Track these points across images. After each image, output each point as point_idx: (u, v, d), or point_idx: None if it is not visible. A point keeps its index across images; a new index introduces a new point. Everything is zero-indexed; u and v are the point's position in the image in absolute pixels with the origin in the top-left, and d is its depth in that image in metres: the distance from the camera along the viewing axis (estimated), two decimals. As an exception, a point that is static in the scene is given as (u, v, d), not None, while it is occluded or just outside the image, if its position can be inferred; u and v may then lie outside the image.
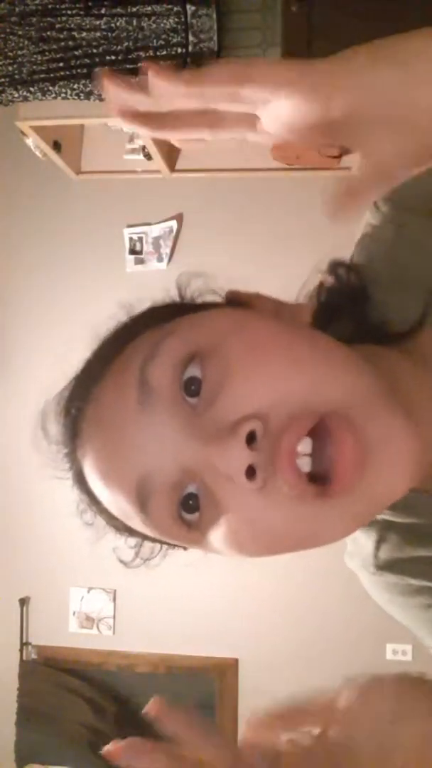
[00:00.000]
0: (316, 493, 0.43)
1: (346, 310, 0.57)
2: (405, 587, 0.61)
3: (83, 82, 1.99)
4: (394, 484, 0.45)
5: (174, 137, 0.44)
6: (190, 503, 0.46)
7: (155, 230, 2.83)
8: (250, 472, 0.42)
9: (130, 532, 0.53)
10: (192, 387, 0.46)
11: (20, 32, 1.98)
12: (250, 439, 0.43)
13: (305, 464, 0.44)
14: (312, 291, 0.58)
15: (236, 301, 0.54)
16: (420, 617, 0.62)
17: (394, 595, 0.63)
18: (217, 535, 0.46)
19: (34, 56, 1.99)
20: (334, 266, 0.59)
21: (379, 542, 0.61)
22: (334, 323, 0.56)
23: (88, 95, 2.01)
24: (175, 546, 0.54)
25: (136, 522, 0.49)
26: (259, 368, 0.44)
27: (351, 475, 0.43)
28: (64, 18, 1.96)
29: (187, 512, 0.46)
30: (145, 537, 0.53)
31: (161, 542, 0.54)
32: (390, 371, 0.50)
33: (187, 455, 0.45)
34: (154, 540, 0.53)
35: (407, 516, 0.57)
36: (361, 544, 0.63)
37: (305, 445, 0.44)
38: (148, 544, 0.55)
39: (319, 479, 0.44)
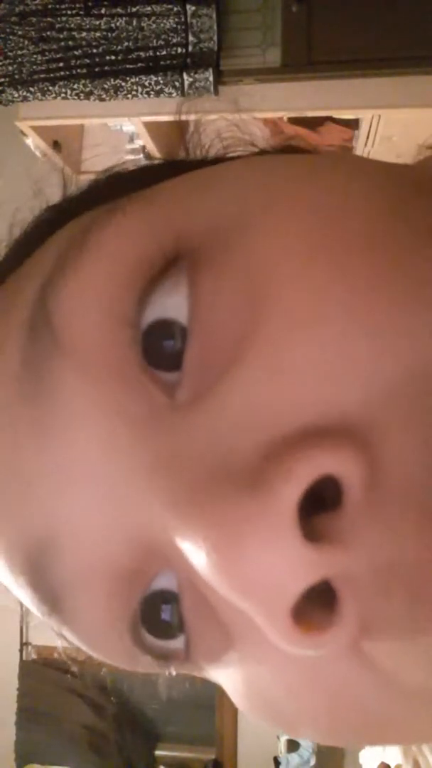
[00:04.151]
0: None
1: None
2: None
3: (83, 82, 1.99)
4: None
5: None
6: (161, 616, 0.21)
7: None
8: (306, 603, 0.17)
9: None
10: (163, 343, 0.19)
11: (20, 32, 1.99)
12: (315, 502, 0.17)
13: None
14: None
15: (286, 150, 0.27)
16: None
17: None
18: (227, 681, 0.23)
19: (34, 56, 1.99)
20: None
21: None
22: None
23: (88, 95, 2.01)
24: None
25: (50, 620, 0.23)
26: (364, 281, 0.18)
27: None
28: (64, 18, 1.96)
29: (155, 634, 0.22)
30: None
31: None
32: None
33: (149, 524, 0.19)
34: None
35: None
36: None
37: None
38: None
39: None
